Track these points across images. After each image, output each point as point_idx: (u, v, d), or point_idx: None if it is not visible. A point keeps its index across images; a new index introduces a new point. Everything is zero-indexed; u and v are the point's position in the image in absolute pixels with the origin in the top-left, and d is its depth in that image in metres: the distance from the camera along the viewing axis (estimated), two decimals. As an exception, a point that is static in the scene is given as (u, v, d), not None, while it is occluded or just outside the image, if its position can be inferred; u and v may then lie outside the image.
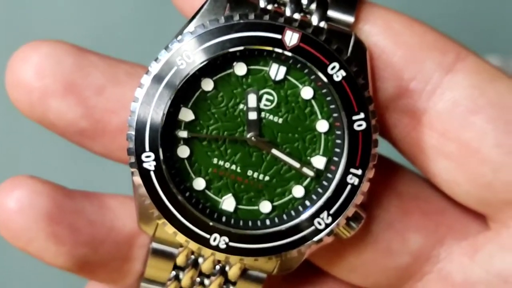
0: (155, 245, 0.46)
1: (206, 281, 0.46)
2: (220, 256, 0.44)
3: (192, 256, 0.46)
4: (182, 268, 0.46)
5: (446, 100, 0.44)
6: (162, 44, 0.44)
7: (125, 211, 0.46)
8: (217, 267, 0.46)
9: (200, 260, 0.46)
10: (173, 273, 0.46)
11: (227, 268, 0.46)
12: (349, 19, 0.44)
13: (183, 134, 0.44)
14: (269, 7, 0.44)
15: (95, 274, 0.47)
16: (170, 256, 0.46)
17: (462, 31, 0.78)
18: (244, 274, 0.46)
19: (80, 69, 0.44)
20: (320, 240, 0.44)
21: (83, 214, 0.45)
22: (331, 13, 0.44)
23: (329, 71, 0.43)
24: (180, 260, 0.46)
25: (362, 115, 0.43)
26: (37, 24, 0.83)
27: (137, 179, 0.43)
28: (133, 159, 0.43)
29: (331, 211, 0.44)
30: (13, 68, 0.45)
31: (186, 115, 0.44)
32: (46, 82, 0.44)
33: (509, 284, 0.45)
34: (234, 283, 0.46)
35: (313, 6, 0.44)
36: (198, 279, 0.47)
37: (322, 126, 0.44)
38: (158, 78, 0.43)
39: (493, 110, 0.44)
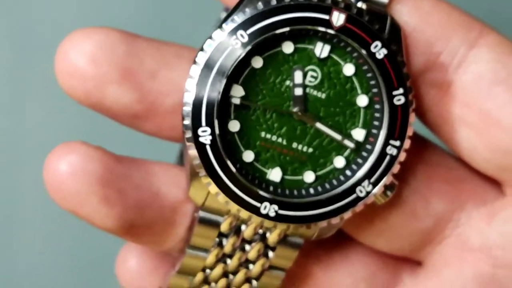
0: (202, 213, 0.48)
1: (247, 247, 0.49)
2: (269, 223, 0.47)
3: (235, 224, 0.49)
4: (225, 235, 0.49)
5: (470, 72, 0.48)
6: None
7: (170, 178, 0.49)
8: (258, 233, 0.49)
9: (243, 227, 0.49)
10: (217, 239, 0.49)
11: (267, 234, 0.49)
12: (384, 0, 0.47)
13: (236, 100, 0.46)
14: None
15: (138, 237, 0.49)
16: (216, 224, 0.48)
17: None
18: (283, 240, 0.49)
19: (133, 56, 0.46)
20: (359, 207, 0.47)
21: (131, 179, 0.47)
22: None
23: (372, 49, 0.46)
24: (224, 228, 0.48)
25: (401, 91, 0.47)
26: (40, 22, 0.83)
27: (193, 152, 0.46)
28: (189, 134, 0.45)
29: (372, 180, 0.47)
30: (65, 56, 0.46)
31: (237, 91, 0.46)
32: (102, 70, 0.45)
33: None
34: (273, 248, 0.49)
35: None
36: (239, 245, 0.49)
37: (362, 100, 0.48)
38: (213, 57, 0.45)
39: None
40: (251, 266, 0.50)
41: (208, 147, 0.46)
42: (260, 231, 0.49)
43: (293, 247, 0.49)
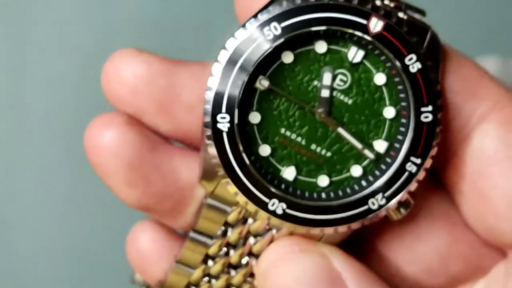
0: (210, 200, 0.47)
1: (252, 240, 0.48)
2: (275, 221, 0.46)
3: (242, 215, 0.48)
4: (231, 226, 0.48)
5: (473, 146, 0.47)
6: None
7: (187, 164, 0.49)
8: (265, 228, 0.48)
9: (250, 220, 0.48)
10: (223, 228, 0.48)
11: (273, 231, 0.48)
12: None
13: (265, 83, 0.46)
14: None
15: (154, 214, 0.50)
16: (223, 212, 0.48)
17: (462, 31, 0.79)
18: None
19: (172, 90, 0.47)
20: (369, 220, 0.46)
21: (159, 169, 0.48)
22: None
23: (406, 61, 0.45)
24: (232, 217, 0.48)
25: (430, 108, 0.46)
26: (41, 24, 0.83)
27: (209, 138, 0.45)
28: (208, 119, 0.45)
29: (386, 194, 0.46)
30: (108, 79, 0.47)
31: (263, 83, 0.46)
32: (140, 102, 0.47)
33: None
34: None
35: None
36: (244, 236, 0.48)
37: (389, 112, 0.47)
38: (238, 51, 0.45)
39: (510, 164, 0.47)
40: (254, 261, 0.49)
41: (224, 135, 0.45)
42: (267, 226, 0.48)
43: None
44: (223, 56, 0.45)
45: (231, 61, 0.45)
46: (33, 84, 0.82)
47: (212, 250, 0.49)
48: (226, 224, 0.48)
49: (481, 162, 0.47)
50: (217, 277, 0.49)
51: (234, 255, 0.49)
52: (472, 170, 0.47)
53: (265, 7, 0.45)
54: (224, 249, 0.49)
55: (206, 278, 0.49)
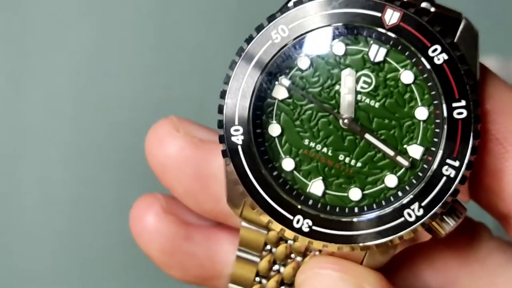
0: (244, 223, 0.44)
1: (299, 258, 0.45)
2: (303, 240, 0.42)
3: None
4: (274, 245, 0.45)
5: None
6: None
7: (224, 247, 0.48)
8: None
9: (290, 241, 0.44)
10: (268, 246, 0.45)
11: (317, 253, 0.44)
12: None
13: (286, 82, 0.43)
14: None
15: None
16: (261, 234, 0.45)
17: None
18: None
19: (199, 178, 0.46)
20: (408, 233, 0.41)
21: (194, 257, 0.47)
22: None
23: (430, 53, 0.41)
24: (270, 238, 0.45)
25: (463, 103, 0.41)
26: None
27: (226, 154, 0.42)
28: (222, 132, 0.42)
29: (423, 203, 0.41)
30: (147, 149, 0.47)
31: (280, 92, 0.43)
32: (168, 182, 0.47)
33: None
34: None
35: None
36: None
37: (421, 113, 0.42)
38: (250, 54, 0.42)
39: None
40: None
41: (239, 148, 0.42)
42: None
43: None
44: (234, 66, 0.43)
45: (243, 66, 0.42)
46: (34, 84, 0.83)
47: (261, 267, 0.45)
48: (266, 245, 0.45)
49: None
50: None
51: (285, 270, 0.45)
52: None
53: (273, 14, 0.43)
54: (276, 266, 0.45)
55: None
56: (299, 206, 0.42)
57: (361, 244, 0.42)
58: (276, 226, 0.42)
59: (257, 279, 0.46)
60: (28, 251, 0.83)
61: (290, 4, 0.42)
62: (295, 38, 0.42)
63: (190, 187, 0.46)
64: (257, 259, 0.45)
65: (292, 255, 0.45)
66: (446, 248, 0.45)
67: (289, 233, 0.42)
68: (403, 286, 0.45)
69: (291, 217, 0.42)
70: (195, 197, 0.46)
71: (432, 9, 0.42)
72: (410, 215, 0.41)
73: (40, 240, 0.83)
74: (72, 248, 0.83)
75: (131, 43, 0.80)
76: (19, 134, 0.83)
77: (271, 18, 0.42)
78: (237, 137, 0.42)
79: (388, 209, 0.42)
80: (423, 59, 0.41)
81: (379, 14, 0.41)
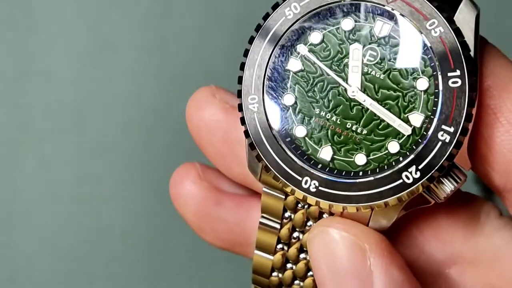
0: (265, 188, 0.48)
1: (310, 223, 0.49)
2: (311, 200, 0.46)
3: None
4: (293, 210, 0.49)
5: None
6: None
7: (252, 214, 0.52)
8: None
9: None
10: (288, 213, 0.49)
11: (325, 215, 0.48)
12: None
13: (301, 55, 0.47)
14: None
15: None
16: (279, 198, 0.48)
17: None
18: None
19: (226, 142, 0.50)
20: (407, 195, 0.44)
21: (226, 222, 0.52)
22: None
23: (427, 26, 0.44)
24: (289, 203, 0.48)
25: (457, 72, 0.44)
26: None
27: (243, 121, 0.47)
28: (240, 101, 0.47)
29: (420, 166, 0.44)
30: (187, 115, 0.52)
31: (294, 65, 0.47)
32: (201, 144, 0.51)
33: None
34: None
35: None
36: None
37: (422, 84, 0.45)
38: (266, 30, 0.47)
39: None
40: None
41: (255, 116, 0.47)
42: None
43: None
44: (252, 40, 0.47)
45: (260, 40, 0.47)
46: (37, 81, 0.84)
47: (282, 233, 0.49)
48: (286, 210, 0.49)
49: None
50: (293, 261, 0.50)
51: (303, 237, 0.49)
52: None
53: None
54: (295, 233, 0.49)
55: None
56: (308, 169, 0.46)
57: (363, 204, 0.45)
58: (287, 187, 0.46)
59: (279, 246, 0.50)
60: (27, 251, 0.85)
61: None
62: (305, 14, 0.46)
63: (220, 151, 0.50)
64: (277, 226, 0.49)
65: (309, 223, 0.49)
66: (452, 222, 0.47)
67: (298, 193, 0.46)
68: (409, 256, 0.48)
69: (299, 178, 0.46)
70: (224, 160, 0.50)
71: None
72: (407, 177, 0.44)
73: (40, 240, 0.85)
74: (72, 248, 0.84)
75: (133, 41, 0.81)
76: (20, 133, 0.85)
77: None
78: (253, 105, 0.47)
79: (387, 172, 0.45)
80: (420, 32, 0.44)
81: None
